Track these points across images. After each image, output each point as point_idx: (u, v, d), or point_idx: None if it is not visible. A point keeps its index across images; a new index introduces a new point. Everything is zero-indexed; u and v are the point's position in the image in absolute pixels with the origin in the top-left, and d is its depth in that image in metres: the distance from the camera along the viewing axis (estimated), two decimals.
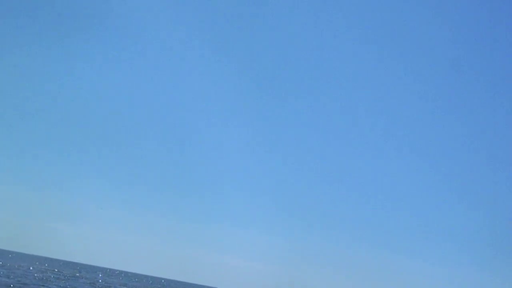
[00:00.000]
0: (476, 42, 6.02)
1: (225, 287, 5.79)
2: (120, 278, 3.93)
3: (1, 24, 6.10)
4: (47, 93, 6.55)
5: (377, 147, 6.52)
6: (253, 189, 6.46)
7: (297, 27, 6.99)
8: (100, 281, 2.86)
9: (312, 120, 6.89)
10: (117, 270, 7.14)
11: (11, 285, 1.59)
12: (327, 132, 6.84)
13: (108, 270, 6.30)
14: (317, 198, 6.44)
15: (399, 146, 6.52)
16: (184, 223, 6.51)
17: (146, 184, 6.61)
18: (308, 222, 6.26)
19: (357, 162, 6.53)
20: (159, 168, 6.57)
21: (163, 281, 5.38)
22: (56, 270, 3.22)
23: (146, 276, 6.94)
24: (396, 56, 6.52)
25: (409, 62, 6.52)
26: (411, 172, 6.27)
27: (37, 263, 4.15)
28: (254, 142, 6.81)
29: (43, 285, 1.79)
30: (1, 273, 2.02)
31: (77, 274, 2.99)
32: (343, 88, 6.83)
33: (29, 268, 2.77)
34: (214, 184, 6.36)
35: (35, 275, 2.28)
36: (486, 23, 5.86)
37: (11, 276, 1.94)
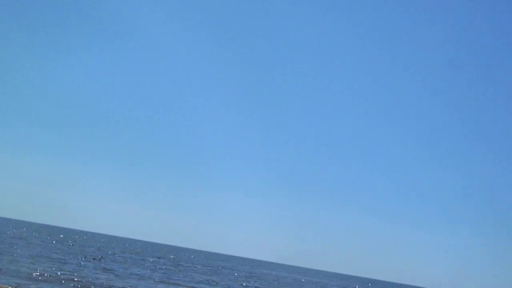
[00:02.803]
0: (475, 42, 6.16)
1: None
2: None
3: (1, 24, 6.30)
4: (51, 89, 6.81)
5: (374, 120, 6.67)
6: (252, 160, 6.70)
7: (296, 24, 7.18)
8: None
9: (309, 94, 7.07)
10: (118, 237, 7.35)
11: None
12: (324, 103, 7.02)
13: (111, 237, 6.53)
14: (315, 168, 6.65)
15: (393, 117, 6.69)
16: (189, 196, 6.77)
17: (149, 162, 6.87)
18: (306, 192, 6.52)
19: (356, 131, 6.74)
20: (162, 146, 6.80)
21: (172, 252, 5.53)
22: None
23: (146, 242, 7.14)
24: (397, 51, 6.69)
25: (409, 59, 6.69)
26: (410, 139, 6.45)
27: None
28: (252, 120, 7.03)
29: None
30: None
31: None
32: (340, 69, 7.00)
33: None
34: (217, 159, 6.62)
35: None
36: (486, 23, 6.00)
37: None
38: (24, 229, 3.95)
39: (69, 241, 2.98)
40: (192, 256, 3.24)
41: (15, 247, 1.84)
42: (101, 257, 2.04)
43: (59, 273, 1.28)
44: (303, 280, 3.16)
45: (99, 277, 1.35)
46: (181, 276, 1.83)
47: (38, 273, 1.22)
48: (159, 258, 2.89)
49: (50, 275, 1.22)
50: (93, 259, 1.89)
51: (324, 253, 6.12)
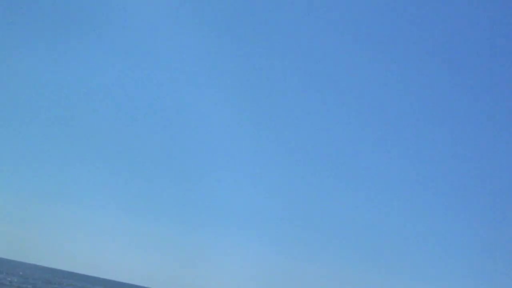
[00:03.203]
0: (476, 42, 5.86)
1: None
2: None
3: (0, 23, 6.16)
4: (46, 93, 6.60)
5: (376, 147, 6.30)
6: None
7: (296, 25, 6.93)
8: None
9: (311, 121, 6.70)
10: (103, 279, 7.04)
11: None
12: (326, 132, 6.66)
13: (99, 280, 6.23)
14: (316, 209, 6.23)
15: (399, 146, 6.32)
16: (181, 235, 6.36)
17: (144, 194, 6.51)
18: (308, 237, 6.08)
19: (356, 159, 6.36)
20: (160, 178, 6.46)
21: None
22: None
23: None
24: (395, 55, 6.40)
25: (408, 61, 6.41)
26: (412, 173, 6.05)
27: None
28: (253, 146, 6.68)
29: None
30: None
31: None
32: (342, 88, 6.69)
33: None
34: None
35: None
36: (486, 23, 5.71)
37: None
38: None
39: None
40: None
41: None
42: None
43: None
44: None
45: None
46: None
47: None
48: None
49: None
50: None
51: None
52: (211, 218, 6.03)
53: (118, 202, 6.25)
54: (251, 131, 7.03)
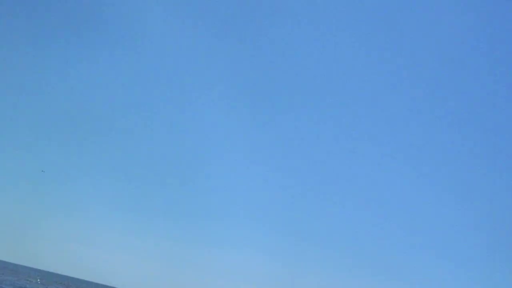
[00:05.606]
0: (476, 42, 5.86)
1: None
2: None
3: (0, 23, 6.09)
4: (45, 93, 6.55)
5: (376, 151, 6.26)
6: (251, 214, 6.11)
7: (298, 28, 6.85)
8: None
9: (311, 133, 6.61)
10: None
11: None
12: (327, 133, 6.59)
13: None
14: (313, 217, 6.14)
15: (398, 151, 6.28)
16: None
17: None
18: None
19: (357, 168, 6.31)
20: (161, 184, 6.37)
21: None
22: None
23: None
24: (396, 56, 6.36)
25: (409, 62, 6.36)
26: (408, 179, 6.00)
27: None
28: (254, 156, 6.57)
29: None
30: None
31: None
32: (344, 89, 6.61)
33: None
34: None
35: None
36: (486, 23, 5.70)
37: None
38: None
39: None
40: None
41: None
42: None
43: None
44: None
45: None
46: None
47: None
48: None
49: None
50: None
51: None
52: (210, 221, 6.00)
53: (119, 204, 6.19)
54: (252, 132, 6.96)
